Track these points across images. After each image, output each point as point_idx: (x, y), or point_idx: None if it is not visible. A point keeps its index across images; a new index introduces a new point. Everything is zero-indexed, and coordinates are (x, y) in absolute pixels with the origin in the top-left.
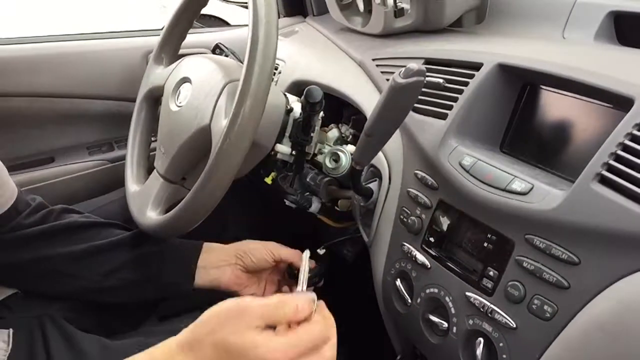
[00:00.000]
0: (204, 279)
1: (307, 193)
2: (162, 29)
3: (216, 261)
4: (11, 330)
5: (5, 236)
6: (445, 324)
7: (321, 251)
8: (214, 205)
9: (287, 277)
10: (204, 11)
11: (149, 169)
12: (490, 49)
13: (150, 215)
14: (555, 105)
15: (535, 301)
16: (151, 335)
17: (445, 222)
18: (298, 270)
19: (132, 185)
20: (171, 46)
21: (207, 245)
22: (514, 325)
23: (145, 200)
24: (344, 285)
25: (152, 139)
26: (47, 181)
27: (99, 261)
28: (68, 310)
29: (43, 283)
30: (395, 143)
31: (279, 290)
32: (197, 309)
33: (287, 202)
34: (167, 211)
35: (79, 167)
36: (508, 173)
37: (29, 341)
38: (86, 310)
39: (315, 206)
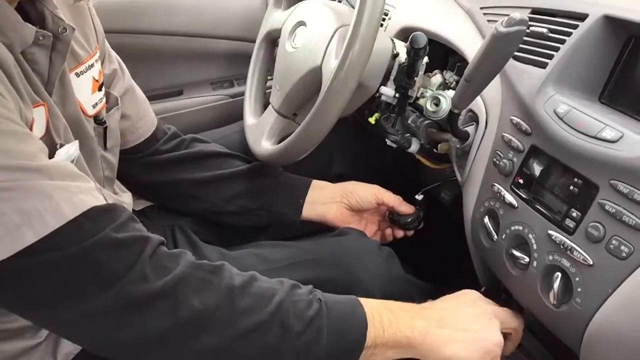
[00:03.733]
0: (311, 213)
1: (408, 134)
2: None
3: (323, 198)
4: None
5: (145, 160)
6: (527, 259)
7: (419, 197)
8: (321, 139)
9: (387, 219)
10: None
11: (265, 105)
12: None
13: (264, 145)
14: None
15: (614, 241)
16: (261, 247)
17: (535, 166)
18: (398, 214)
19: (250, 118)
20: None
21: (316, 183)
22: (591, 263)
23: (261, 132)
24: (439, 225)
25: (269, 77)
26: (177, 111)
27: (221, 188)
28: (194, 223)
29: (173, 201)
30: (494, 89)
31: (378, 229)
32: (302, 237)
33: (388, 142)
34: (279, 142)
35: (203, 100)
36: (600, 122)
37: None
38: (208, 225)
39: (414, 146)
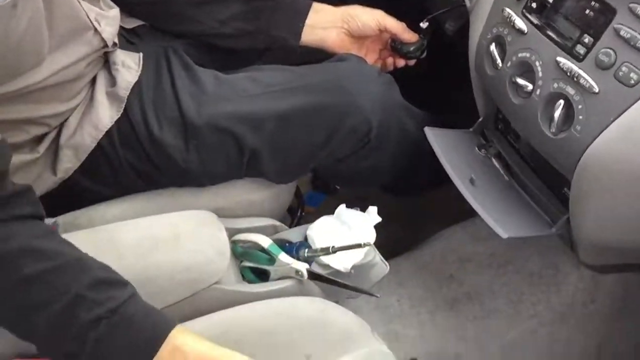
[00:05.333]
0: (310, 38)
1: None
2: None
3: (323, 22)
4: (141, 54)
5: None
6: (530, 86)
7: (424, 24)
8: None
9: (389, 48)
10: None
11: None
12: None
13: None
14: None
15: (624, 68)
16: (258, 71)
17: None
18: (400, 42)
19: None
20: None
21: (317, 5)
22: (597, 90)
23: None
24: (442, 55)
25: None
26: None
27: (217, 9)
28: (188, 45)
29: (166, 22)
30: None
31: (379, 58)
32: (297, 64)
33: None
34: None
35: None
36: None
37: (156, 66)
38: (204, 48)
39: None
